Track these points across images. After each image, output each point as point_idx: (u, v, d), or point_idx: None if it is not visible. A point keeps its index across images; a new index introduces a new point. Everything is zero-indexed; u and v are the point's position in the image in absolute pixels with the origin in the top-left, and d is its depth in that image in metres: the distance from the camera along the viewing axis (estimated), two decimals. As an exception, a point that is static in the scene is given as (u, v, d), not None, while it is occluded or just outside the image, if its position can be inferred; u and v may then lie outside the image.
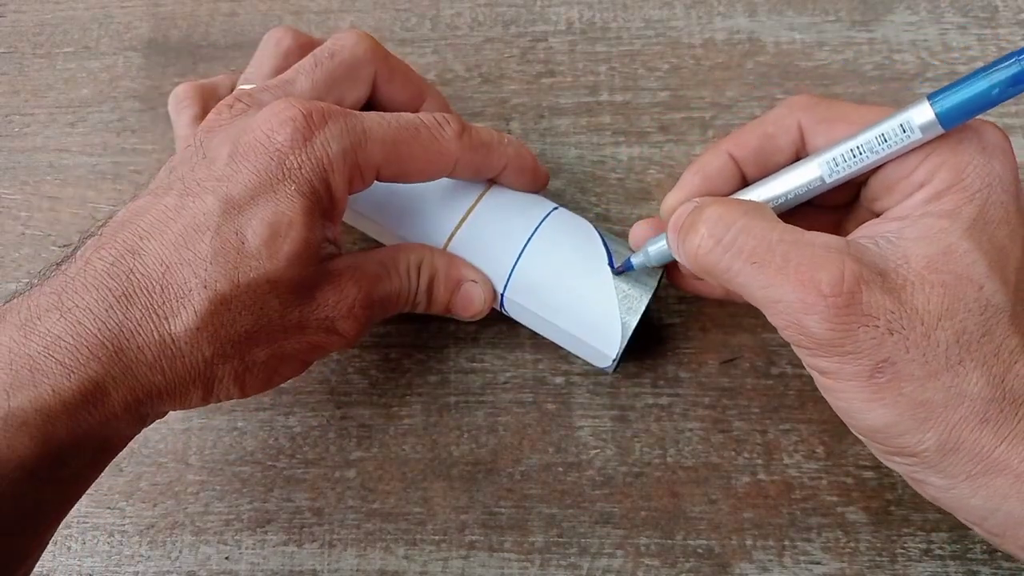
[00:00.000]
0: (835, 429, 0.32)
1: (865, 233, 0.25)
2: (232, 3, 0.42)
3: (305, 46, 0.32)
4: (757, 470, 0.32)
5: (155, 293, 0.25)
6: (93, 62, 0.42)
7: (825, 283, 0.22)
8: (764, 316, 0.34)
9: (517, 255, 0.30)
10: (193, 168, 0.27)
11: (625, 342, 0.29)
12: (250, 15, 0.42)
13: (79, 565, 0.33)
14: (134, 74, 0.41)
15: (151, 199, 0.26)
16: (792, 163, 0.27)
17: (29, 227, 0.39)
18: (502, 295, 0.31)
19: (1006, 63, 0.22)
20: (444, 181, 0.31)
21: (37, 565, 0.33)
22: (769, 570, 0.31)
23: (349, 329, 0.28)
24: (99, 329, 0.24)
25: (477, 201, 0.31)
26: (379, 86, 0.31)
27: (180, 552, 0.33)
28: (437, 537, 0.32)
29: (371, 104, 0.32)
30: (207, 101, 0.32)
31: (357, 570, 0.32)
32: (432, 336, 0.35)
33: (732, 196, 0.27)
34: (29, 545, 0.24)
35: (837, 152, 0.25)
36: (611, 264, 0.30)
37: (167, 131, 0.40)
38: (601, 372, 0.33)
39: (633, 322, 0.29)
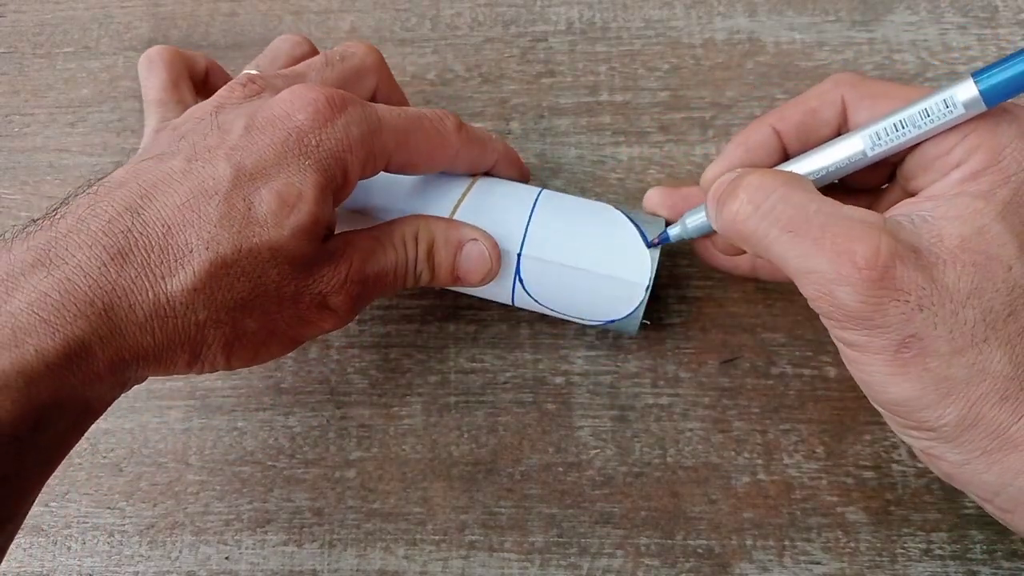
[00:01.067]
0: (835, 429, 0.32)
1: (900, 211, 0.25)
2: (232, 3, 0.42)
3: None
4: (757, 470, 0.32)
5: (153, 252, 0.24)
6: (93, 62, 0.42)
7: (860, 255, 0.22)
8: (764, 316, 0.34)
9: (529, 212, 0.30)
10: (205, 136, 0.26)
11: (654, 270, 0.29)
12: (250, 15, 0.42)
13: (79, 565, 0.33)
14: (134, 74, 0.41)
15: (154, 162, 0.26)
16: (831, 137, 0.27)
17: (29, 227, 0.39)
18: (519, 255, 0.30)
19: None
20: (436, 177, 0.32)
21: (38, 564, 0.33)
22: (769, 570, 0.31)
23: (341, 304, 0.28)
24: (90, 287, 0.23)
25: (472, 183, 0.31)
26: (378, 99, 0.32)
27: (180, 552, 0.33)
28: (437, 537, 0.32)
29: None
30: (180, 69, 0.31)
31: (357, 570, 0.32)
32: (432, 336, 0.35)
33: (773, 168, 0.28)
34: (8, 511, 0.24)
35: (880, 126, 0.25)
36: (643, 237, 0.30)
37: (167, 131, 0.40)
38: (623, 334, 0.32)
39: (656, 253, 0.29)
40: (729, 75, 0.39)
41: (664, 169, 0.37)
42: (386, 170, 0.29)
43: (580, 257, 0.30)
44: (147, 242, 0.24)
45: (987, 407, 0.23)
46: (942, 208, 0.24)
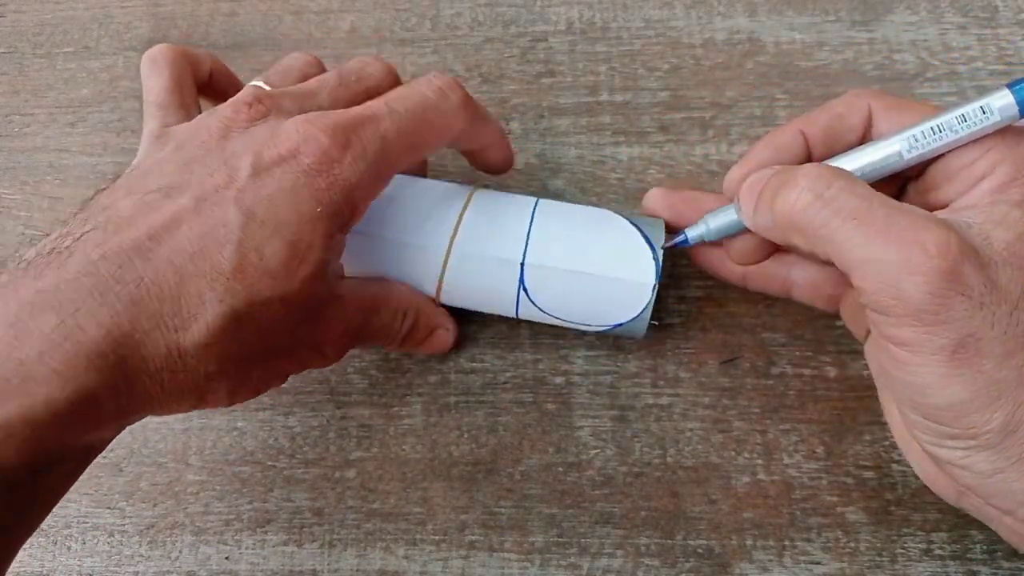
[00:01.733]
0: (835, 429, 0.32)
1: (944, 215, 0.25)
2: (232, 3, 0.42)
3: None
4: (757, 470, 0.32)
5: (166, 303, 0.23)
6: (93, 62, 0.42)
7: (932, 244, 0.22)
8: (764, 316, 0.34)
9: (528, 221, 0.30)
10: (212, 173, 0.25)
11: (660, 270, 0.29)
12: (250, 15, 0.42)
13: (79, 565, 0.33)
14: (134, 74, 0.41)
15: (161, 197, 0.25)
16: (855, 143, 0.28)
17: (29, 227, 0.39)
18: (521, 265, 0.30)
19: None
20: (433, 192, 0.31)
21: (38, 564, 0.33)
22: (769, 570, 0.31)
23: (333, 353, 0.29)
24: (102, 337, 0.22)
25: (469, 196, 0.31)
26: None
27: (180, 552, 0.33)
28: (437, 537, 0.32)
29: None
30: (184, 69, 0.31)
31: (357, 570, 0.32)
32: (432, 336, 0.35)
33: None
34: (2, 552, 0.23)
35: (918, 130, 0.26)
36: (646, 238, 0.30)
37: (167, 131, 0.40)
38: (630, 337, 0.32)
39: (661, 254, 0.29)
40: (729, 75, 0.39)
41: (664, 169, 0.37)
42: (397, 173, 0.29)
43: (584, 262, 0.29)
44: (160, 291, 0.23)
45: None
46: (983, 215, 0.24)
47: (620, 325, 0.30)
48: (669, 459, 0.33)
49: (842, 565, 0.31)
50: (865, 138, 0.28)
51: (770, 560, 0.31)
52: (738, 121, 0.38)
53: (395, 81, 0.31)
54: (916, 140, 0.26)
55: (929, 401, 0.23)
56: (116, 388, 0.23)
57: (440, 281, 0.31)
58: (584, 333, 0.34)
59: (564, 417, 0.33)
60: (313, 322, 0.27)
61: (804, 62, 0.39)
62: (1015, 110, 0.24)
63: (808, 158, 0.28)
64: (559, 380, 0.34)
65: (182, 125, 0.28)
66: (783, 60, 0.39)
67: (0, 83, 0.42)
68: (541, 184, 0.37)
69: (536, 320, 0.32)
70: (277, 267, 0.25)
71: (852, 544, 0.31)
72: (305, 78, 0.31)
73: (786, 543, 0.31)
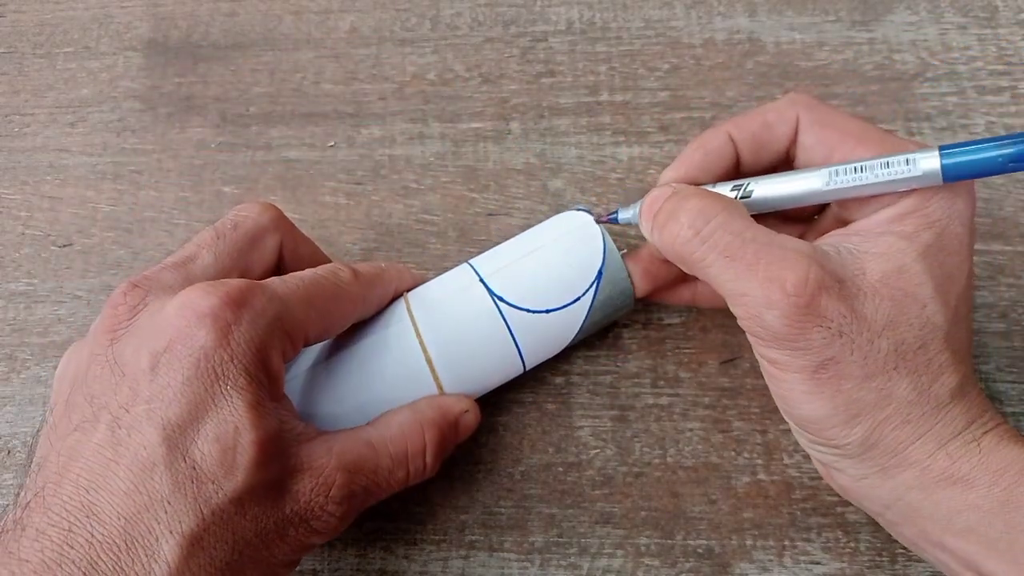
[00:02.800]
0: (835, 429, 0.32)
1: (830, 240, 0.26)
2: (232, 3, 0.42)
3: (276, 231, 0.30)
4: (757, 470, 0.32)
5: (121, 552, 0.22)
6: (93, 62, 0.42)
7: (790, 283, 0.24)
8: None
9: (470, 268, 0.31)
10: (114, 391, 0.24)
11: (601, 225, 0.31)
12: (250, 15, 0.42)
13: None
14: (134, 74, 0.41)
15: (80, 436, 0.24)
16: (781, 153, 0.29)
17: (29, 227, 0.39)
18: (482, 281, 0.30)
19: (1017, 139, 0.23)
20: (377, 347, 0.30)
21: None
22: (769, 570, 0.31)
23: (325, 526, 0.26)
24: None
25: (407, 307, 0.31)
26: (284, 256, 0.30)
27: (180, 552, 0.33)
28: (437, 537, 0.32)
29: (279, 272, 0.30)
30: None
31: (357, 570, 0.32)
32: (432, 336, 0.35)
33: (713, 186, 0.29)
34: None
35: (840, 166, 0.26)
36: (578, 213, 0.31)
37: (167, 131, 0.40)
38: (623, 310, 0.32)
39: (595, 215, 0.31)
40: (729, 75, 0.39)
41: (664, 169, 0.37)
42: (306, 343, 0.27)
43: (531, 244, 0.31)
44: (111, 543, 0.22)
45: (889, 429, 0.24)
46: (868, 244, 0.25)
47: (598, 284, 0.30)
48: (669, 459, 0.33)
49: (842, 565, 0.31)
50: (790, 149, 0.28)
51: (770, 560, 0.31)
52: (738, 121, 0.38)
53: (275, 216, 0.30)
54: (836, 176, 0.26)
55: (796, 412, 0.26)
56: None
57: (436, 380, 0.30)
58: (587, 335, 0.34)
59: (564, 417, 0.33)
60: (279, 505, 0.24)
61: (804, 62, 0.39)
62: (938, 175, 0.24)
63: (737, 162, 0.29)
64: (559, 380, 0.34)
65: (76, 345, 0.27)
66: (783, 60, 0.39)
67: (0, 83, 0.42)
68: (541, 184, 0.37)
69: (539, 354, 0.31)
70: (214, 469, 0.23)
71: (852, 544, 0.31)
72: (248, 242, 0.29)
73: (786, 543, 0.31)
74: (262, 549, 0.24)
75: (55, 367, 0.35)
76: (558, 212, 0.33)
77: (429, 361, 0.30)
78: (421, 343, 0.30)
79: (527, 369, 0.32)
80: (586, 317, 0.31)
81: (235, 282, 0.25)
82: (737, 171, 0.29)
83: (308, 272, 0.28)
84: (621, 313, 0.32)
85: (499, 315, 0.30)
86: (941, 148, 0.24)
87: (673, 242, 0.27)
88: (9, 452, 0.24)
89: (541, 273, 0.30)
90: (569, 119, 0.38)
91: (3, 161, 0.40)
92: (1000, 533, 0.23)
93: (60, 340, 0.36)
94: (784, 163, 0.29)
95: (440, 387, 0.30)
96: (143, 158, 0.39)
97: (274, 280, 0.27)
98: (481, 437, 0.33)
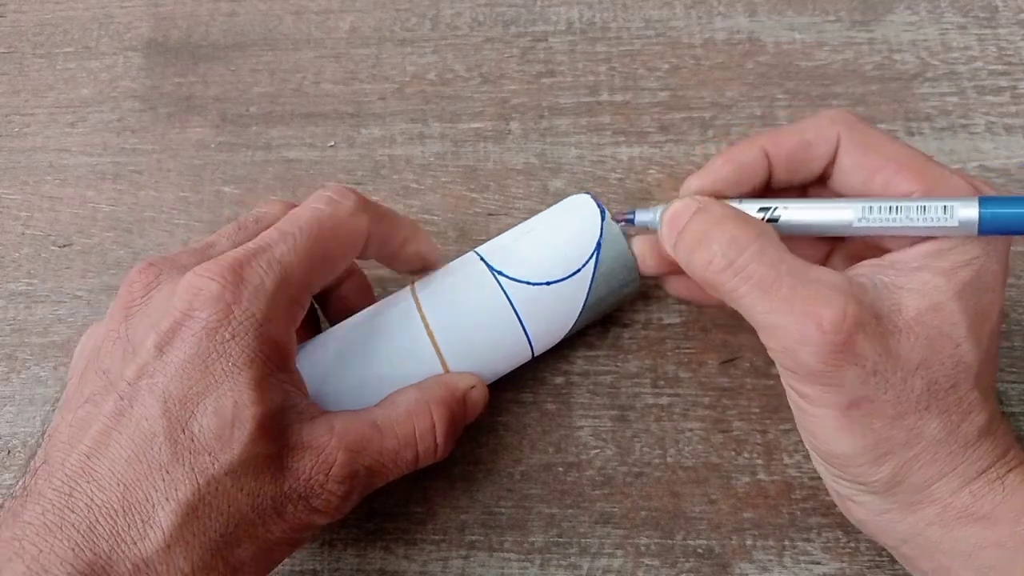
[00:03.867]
0: (835, 429, 0.32)
1: (864, 271, 0.26)
2: (232, 3, 0.42)
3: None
4: (757, 470, 0.32)
5: (119, 517, 0.23)
6: (93, 62, 0.42)
7: (827, 320, 0.23)
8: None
9: (477, 256, 0.31)
10: (124, 366, 0.25)
11: (600, 204, 0.31)
12: (250, 15, 0.42)
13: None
14: (134, 74, 0.41)
15: (90, 408, 0.25)
16: (817, 173, 0.27)
17: (29, 227, 0.39)
18: (483, 259, 0.30)
19: None
20: (381, 327, 0.30)
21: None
22: (769, 570, 0.31)
23: (325, 505, 0.26)
24: (68, 573, 0.22)
25: (415, 298, 0.30)
26: None
27: (180, 552, 0.33)
28: (437, 537, 0.32)
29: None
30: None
31: (357, 570, 0.32)
32: (432, 336, 0.35)
33: (742, 201, 0.28)
34: None
35: (875, 203, 0.25)
36: (615, 218, 0.31)
37: (167, 131, 0.40)
38: (625, 294, 0.32)
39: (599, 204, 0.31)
40: (729, 75, 0.39)
41: (664, 169, 0.37)
42: (312, 292, 0.27)
43: (533, 224, 0.31)
44: (110, 508, 0.23)
45: (916, 467, 0.24)
46: (904, 278, 0.25)
47: (599, 254, 0.30)
48: (669, 459, 0.33)
49: (842, 565, 0.31)
50: (830, 169, 0.27)
51: (770, 560, 0.31)
52: (738, 121, 0.38)
53: None
54: (869, 212, 0.25)
55: (823, 448, 0.26)
56: None
57: (441, 359, 0.30)
58: (583, 330, 0.34)
59: (564, 417, 0.33)
60: (277, 481, 0.25)
61: (804, 62, 0.39)
62: (975, 226, 0.24)
63: (769, 179, 0.28)
64: (559, 380, 0.34)
65: (97, 324, 0.28)
66: (783, 60, 0.39)
67: (0, 83, 0.42)
68: (541, 184, 0.37)
69: (546, 336, 0.31)
70: (210, 441, 0.24)
71: (852, 544, 0.31)
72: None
73: (786, 543, 0.31)
74: (258, 524, 0.25)
75: (55, 367, 0.35)
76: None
77: (433, 339, 0.29)
78: (424, 322, 0.30)
79: (535, 352, 0.31)
80: (589, 291, 0.30)
81: (232, 258, 0.25)
82: (767, 187, 0.28)
83: (307, 210, 0.27)
84: (627, 291, 0.31)
85: (500, 289, 0.30)
86: (982, 199, 0.24)
87: (705, 269, 0.26)
88: (9, 452, 0.24)
89: (540, 248, 0.31)
90: (569, 119, 0.38)
91: (3, 161, 0.40)
92: (1023, 572, 0.23)
93: (60, 340, 0.36)
94: (818, 182, 0.28)
95: (445, 366, 0.30)
96: (143, 158, 0.39)
97: (272, 236, 0.26)
98: (481, 437, 0.33)
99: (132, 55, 0.42)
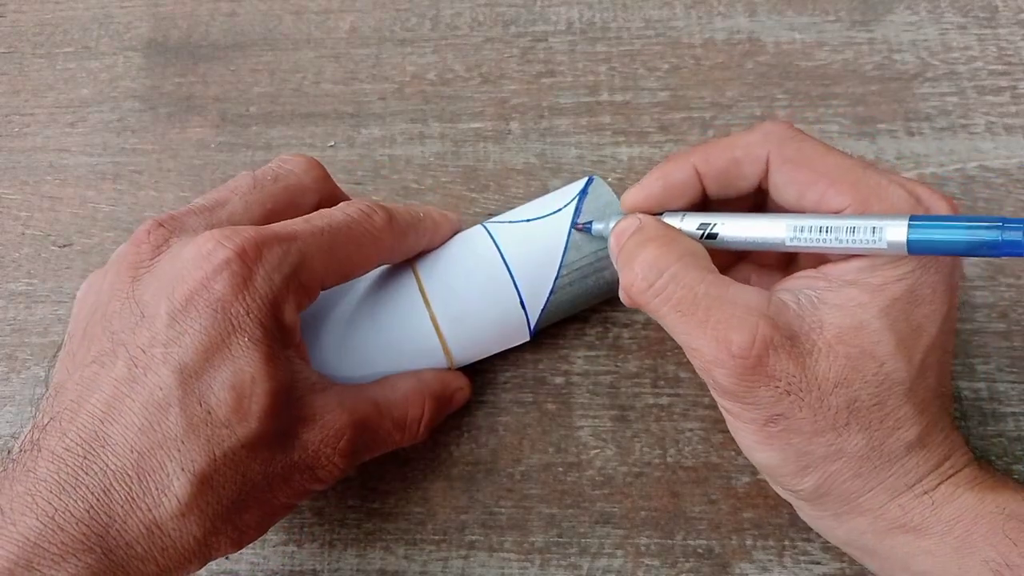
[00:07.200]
0: (835, 429, 0.32)
1: (795, 285, 0.26)
2: (232, 3, 0.42)
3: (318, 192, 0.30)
4: (757, 470, 0.32)
5: (133, 483, 0.23)
6: (93, 62, 0.42)
7: (735, 344, 0.24)
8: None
9: (484, 230, 0.31)
10: (134, 331, 0.25)
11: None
12: (250, 15, 0.42)
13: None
14: (134, 74, 0.41)
15: (97, 369, 0.25)
16: (750, 189, 0.27)
17: (29, 227, 0.39)
18: (485, 227, 0.31)
19: (990, 224, 0.22)
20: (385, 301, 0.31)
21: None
22: (769, 570, 0.31)
23: (328, 475, 0.27)
24: (83, 533, 0.23)
25: (417, 276, 0.31)
26: None
27: (180, 552, 0.33)
28: (437, 537, 0.32)
29: None
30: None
31: (357, 570, 0.32)
32: (432, 336, 0.35)
33: (687, 213, 0.28)
34: None
35: (805, 222, 0.25)
36: (575, 223, 0.31)
37: (167, 131, 0.40)
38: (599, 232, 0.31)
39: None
40: (729, 75, 0.39)
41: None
42: (323, 288, 0.27)
43: (532, 205, 0.32)
44: (124, 474, 0.23)
45: (840, 480, 0.25)
46: (831, 294, 0.25)
47: (583, 196, 0.31)
48: (669, 459, 0.33)
49: (842, 565, 0.31)
50: (762, 184, 0.27)
51: (770, 560, 0.31)
52: (738, 121, 0.38)
53: (319, 175, 0.30)
54: (801, 231, 0.25)
55: (751, 457, 0.27)
56: None
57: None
58: (583, 330, 0.34)
59: (564, 417, 0.33)
60: (288, 451, 0.26)
61: (804, 62, 0.39)
62: (903, 247, 0.23)
63: (702, 195, 0.28)
64: (559, 380, 0.34)
65: (97, 274, 0.28)
66: (783, 60, 0.39)
67: (0, 83, 0.42)
68: (541, 184, 0.37)
69: (531, 272, 0.31)
70: (228, 414, 0.24)
71: (852, 544, 0.31)
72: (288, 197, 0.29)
73: (786, 543, 0.31)
74: (266, 491, 0.26)
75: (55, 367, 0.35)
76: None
77: (423, 290, 0.30)
78: (416, 275, 0.31)
79: (524, 304, 0.30)
80: (571, 225, 0.31)
81: (253, 232, 0.25)
82: (704, 202, 0.28)
83: (339, 213, 0.27)
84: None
85: (484, 231, 0.31)
86: (911, 218, 0.23)
87: (628, 290, 0.26)
88: (9, 452, 0.25)
89: (530, 203, 0.32)
90: (569, 119, 0.38)
91: (3, 161, 0.40)
92: None
93: (60, 340, 0.36)
94: (758, 194, 0.28)
95: (434, 317, 0.30)
96: (143, 158, 0.39)
97: (298, 223, 0.26)
98: (481, 437, 0.33)
99: (132, 55, 0.42)
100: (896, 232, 0.23)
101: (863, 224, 0.24)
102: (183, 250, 0.25)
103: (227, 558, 0.32)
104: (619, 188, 0.37)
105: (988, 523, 0.23)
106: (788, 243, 0.25)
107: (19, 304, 0.37)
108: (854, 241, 0.24)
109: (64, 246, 0.38)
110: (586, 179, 0.32)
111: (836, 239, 0.24)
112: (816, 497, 0.25)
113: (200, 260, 0.25)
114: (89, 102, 0.41)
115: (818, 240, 0.25)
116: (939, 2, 0.39)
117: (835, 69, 0.38)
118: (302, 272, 0.26)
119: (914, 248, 0.23)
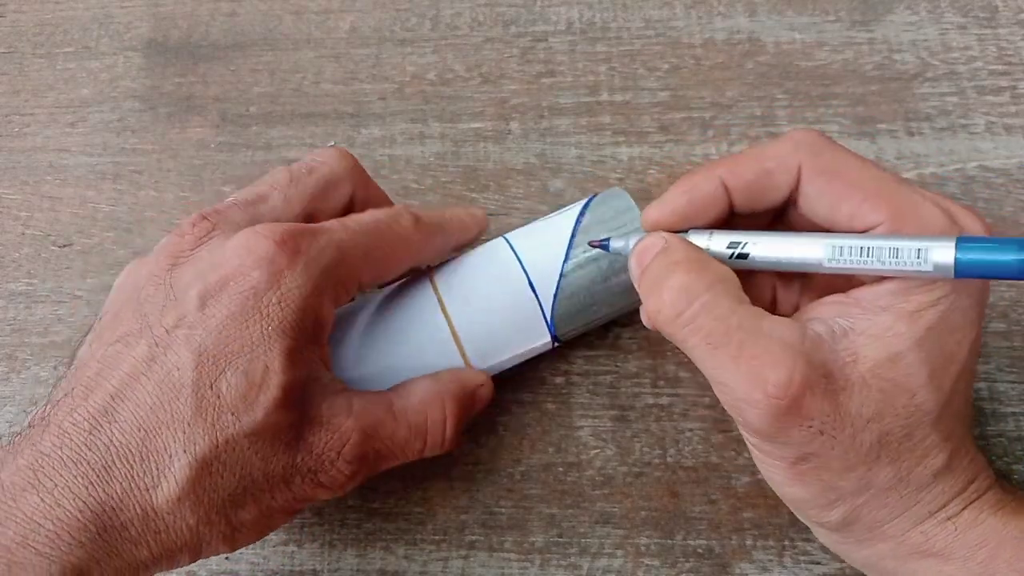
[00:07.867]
0: (835, 429, 0.32)
1: (825, 314, 0.25)
2: (232, 3, 0.42)
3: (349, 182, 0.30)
4: (757, 470, 0.32)
5: (135, 462, 0.23)
6: (93, 62, 0.42)
7: (771, 384, 0.23)
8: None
9: (513, 253, 0.31)
10: (163, 311, 0.25)
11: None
12: (250, 15, 0.42)
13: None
14: (134, 74, 0.41)
15: (120, 348, 0.25)
16: (781, 201, 0.26)
17: (29, 227, 0.39)
18: (506, 240, 0.31)
19: None
20: (402, 318, 0.30)
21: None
22: (769, 570, 0.31)
23: (333, 482, 0.26)
24: (80, 510, 0.22)
25: (435, 287, 0.31)
26: (355, 205, 0.30)
27: (180, 552, 0.33)
28: (437, 537, 0.32)
29: None
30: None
31: (357, 570, 0.32)
32: (432, 336, 0.35)
33: (715, 231, 0.26)
34: None
35: (846, 243, 0.24)
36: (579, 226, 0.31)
37: (167, 131, 0.40)
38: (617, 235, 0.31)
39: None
40: (729, 75, 0.39)
41: (664, 169, 0.37)
42: (360, 289, 0.28)
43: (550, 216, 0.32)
44: (127, 452, 0.23)
45: (867, 511, 0.24)
46: (865, 322, 0.24)
47: (594, 197, 0.31)
48: (669, 459, 0.33)
49: (842, 565, 0.31)
50: (793, 196, 0.26)
51: (770, 560, 0.31)
52: (738, 121, 0.38)
53: (350, 165, 0.30)
54: (840, 252, 0.24)
55: (778, 491, 0.26)
56: (103, 560, 0.23)
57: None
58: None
59: (564, 417, 0.33)
60: (291, 451, 0.25)
61: (804, 62, 0.39)
62: (950, 270, 0.22)
63: (729, 210, 0.26)
64: (559, 380, 0.34)
65: (137, 262, 0.28)
66: (783, 60, 0.39)
67: (0, 83, 0.42)
68: (541, 184, 0.37)
69: (542, 264, 0.30)
70: (235, 401, 0.24)
71: (852, 544, 0.31)
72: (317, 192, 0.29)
73: (786, 543, 0.31)
74: (265, 490, 0.25)
75: (55, 367, 0.35)
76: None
77: (440, 298, 0.30)
78: (434, 287, 0.30)
79: (538, 295, 0.30)
80: (578, 220, 0.30)
81: (294, 227, 0.26)
82: (730, 216, 0.27)
83: (369, 216, 0.28)
84: (625, 229, 0.30)
85: (505, 243, 0.31)
86: (959, 240, 0.22)
87: (654, 317, 0.25)
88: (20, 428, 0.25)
89: (549, 222, 0.32)
90: (569, 119, 0.38)
91: (3, 161, 0.40)
92: None
93: (60, 340, 0.36)
94: (786, 207, 0.27)
95: (449, 319, 0.30)
96: (143, 158, 0.39)
97: (334, 224, 0.27)
98: (481, 437, 0.33)
99: (132, 55, 0.42)
100: (943, 254, 0.22)
101: (907, 245, 0.22)
102: (226, 242, 0.26)
103: (227, 558, 0.32)
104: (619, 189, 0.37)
105: (1012, 548, 0.23)
106: (826, 264, 0.24)
107: (19, 304, 0.37)
108: (897, 263, 0.23)
109: (64, 246, 0.38)
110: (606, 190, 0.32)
111: (878, 260, 0.23)
112: (842, 527, 0.25)
113: (241, 250, 0.25)
114: (89, 102, 0.41)
115: (858, 262, 0.23)
116: (939, 2, 0.39)
117: (835, 69, 0.38)
118: (340, 267, 0.26)
119: (962, 271, 0.22)
